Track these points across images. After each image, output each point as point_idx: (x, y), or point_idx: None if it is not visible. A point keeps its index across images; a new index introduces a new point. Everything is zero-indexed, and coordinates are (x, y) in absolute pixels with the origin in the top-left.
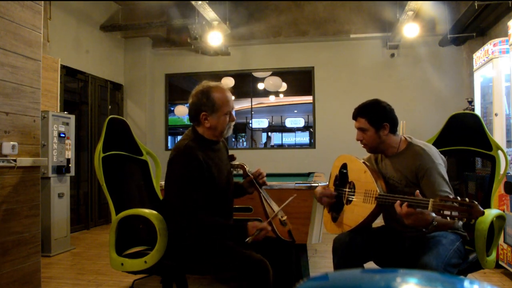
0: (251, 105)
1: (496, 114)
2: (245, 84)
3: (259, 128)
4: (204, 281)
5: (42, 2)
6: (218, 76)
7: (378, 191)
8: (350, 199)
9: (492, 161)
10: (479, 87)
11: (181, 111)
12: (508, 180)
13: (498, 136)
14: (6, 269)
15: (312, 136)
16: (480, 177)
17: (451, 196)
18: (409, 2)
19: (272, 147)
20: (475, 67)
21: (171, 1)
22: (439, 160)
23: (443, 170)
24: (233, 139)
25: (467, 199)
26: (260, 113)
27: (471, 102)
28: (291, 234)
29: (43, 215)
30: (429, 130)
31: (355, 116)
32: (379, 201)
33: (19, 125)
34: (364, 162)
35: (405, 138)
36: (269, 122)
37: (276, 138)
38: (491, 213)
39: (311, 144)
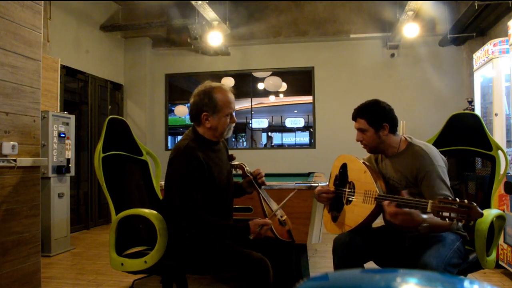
0: (251, 105)
1: (496, 114)
2: (245, 84)
3: (259, 128)
4: (204, 281)
5: (42, 2)
6: (218, 76)
7: (378, 191)
8: (350, 199)
9: (492, 161)
10: (479, 87)
11: (181, 111)
12: (508, 180)
13: (498, 136)
14: (6, 269)
15: (312, 136)
16: (480, 177)
17: (450, 198)
18: (409, 2)
19: (272, 147)
20: (475, 67)
21: (171, 1)
22: (440, 162)
23: (443, 172)
24: (233, 139)
25: (466, 201)
26: (260, 113)
27: (471, 102)
28: (290, 234)
29: (43, 215)
30: (429, 130)
31: (354, 117)
32: (379, 201)
33: (19, 125)
34: (364, 162)
35: (405, 138)
36: (269, 122)
37: (276, 138)
38: (491, 213)
39: (311, 144)
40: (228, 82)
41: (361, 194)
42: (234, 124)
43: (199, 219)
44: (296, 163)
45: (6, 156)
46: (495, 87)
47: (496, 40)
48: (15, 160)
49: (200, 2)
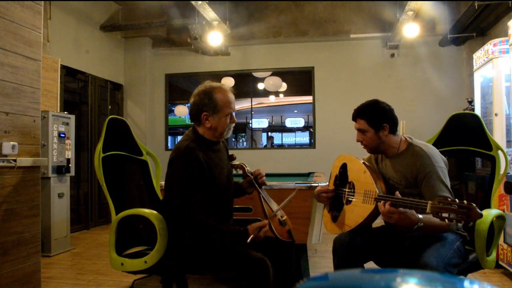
0: (251, 105)
1: (496, 114)
2: (245, 84)
3: (259, 128)
4: (204, 281)
5: (42, 2)
6: (218, 76)
7: (377, 192)
8: (350, 199)
9: (492, 161)
10: (479, 87)
11: (181, 111)
12: (508, 180)
13: (498, 136)
14: (6, 269)
15: (312, 136)
16: (480, 177)
17: (450, 199)
18: (409, 2)
19: (273, 146)
20: (475, 67)
21: (171, 1)
22: (440, 163)
23: (443, 173)
24: (233, 139)
25: (465, 202)
26: (260, 113)
27: (471, 102)
28: (291, 234)
29: (43, 215)
30: (429, 130)
31: (354, 118)
32: (379, 202)
33: (19, 125)
34: (364, 163)
35: (406, 139)
36: (269, 122)
37: (276, 138)
38: (491, 213)
39: (311, 144)
40: (228, 82)
41: (361, 194)
42: (234, 124)
43: (198, 221)
44: (296, 163)
45: (6, 156)
46: (495, 87)
47: (496, 40)
48: (15, 160)
49: (200, 2)
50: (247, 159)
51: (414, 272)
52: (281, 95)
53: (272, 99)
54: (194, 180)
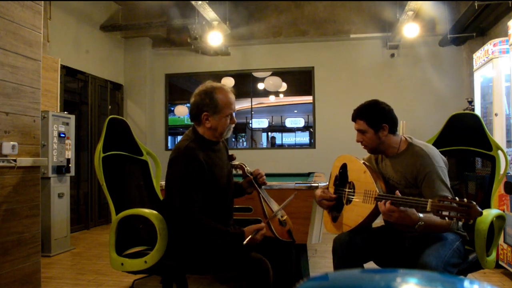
0: (251, 105)
1: (496, 114)
2: (245, 84)
3: (259, 128)
4: (204, 281)
5: (42, 2)
6: (218, 76)
7: (378, 191)
8: (350, 199)
9: (492, 161)
10: (479, 87)
11: (181, 111)
12: (508, 180)
13: (498, 136)
14: (6, 269)
15: (312, 136)
16: (480, 177)
17: (450, 197)
18: (409, 2)
19: (274, 146)
20: (475, 67)
21: (171, 1)
22: (440, 162)
23: (443, 173)
24: (233, 139)
25: (465, 200)
26: (260, 113)
27: (471, 102)
28: (291, 234)
29: (43, 215)
30: (429, 130)
31: (354, 118)
32: (378, 201)
33: (19, 125)
34: (364, 163)
35: (406, 139)
36: (269, 122)
37: (276, 138)
38: (491, 213)
39: (311, 144)
40: (228, 82)
41: (361, 194)
42: (234, 125)
43: (197, 220)
44: (296, 163)
45: (6, 156)
46: (495, 87)
47: (496, 40)
48: (15, 160)
49: (200, 2)
50: (247, 159)
51: (414, 272)
52: (281, 95)
53: (272, 99)
54: (194, 180)
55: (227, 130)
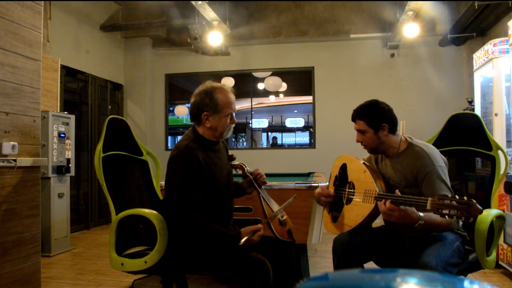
0: (251, 105)
1: (496, 114)
2: (245, 84)
3: (259, 128)
4: (204, 281)
5: (42, 2)
6: (218, 76)
7: (378, 190)
8: (350, 199)
9: (492, 161)
10: (479, 87)
11: (181, 111)
12: (508, 180)
13: (498, 136)
14: (6, 269)
15: (312, 136)
16: (480, 177)
17: (450, 195)
18: (409, 2)
19: (277, 146)
20: (475, 67)
21: (171, 1)
22: (440, 162)
23: (444, 173)
24: (233, 139)
25: (465, 198)
26: (260, 113)
27: (471, 102)
28: (291, 234)
29: (43, 215)
30: (429, 130)
31: (353, 118)
32: (378, 200)
33: (19, 125)
34: (364, 163)
35: (406, 139)
36: (269, 122)
37: (271, 138)
38: (491, 213)
39: (311, 144)
40: (228, 82)
41: (361, 193)
42: (234, 125)
43: (194, 220)
44: (296, 163)
45: (6, 156)
46: (495, 87)
47: (496, 40)
48: (15, 160)
49: (200, 2)
50: (247, 159)
51: (414, 272)
52: (281, 95)
53: (272, 99)
54: (193, 180)
55: (227, 130)
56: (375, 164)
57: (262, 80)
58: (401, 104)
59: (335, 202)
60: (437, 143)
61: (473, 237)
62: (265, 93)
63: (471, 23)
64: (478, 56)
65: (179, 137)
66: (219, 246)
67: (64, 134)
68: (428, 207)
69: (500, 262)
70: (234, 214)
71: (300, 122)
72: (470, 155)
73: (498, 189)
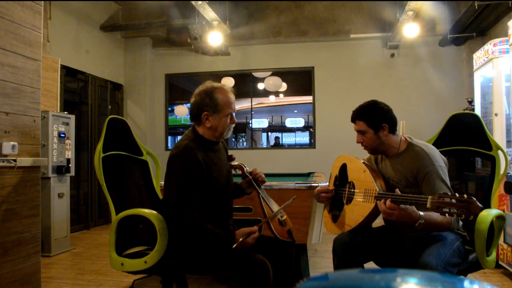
0: (251, 105)
1: (496, 114)
2: (245, 84)
3: (259, 128)
4: (204, 281)
5: (42, 2)
6: (218, 76)
7: (378, 190)
8: (350, 198)
9: (492, 161)
10: (479, 87)
11: (181, 111)
12: (508, 180)
13: (498, 136)
14: (6, 269)
15: (312, 136)
16: (480, 177)
17: (449, 193)
18: (409, 2)
19: (279, 146)
20: (475, 67)
21: (171, 1)
22: (440, 162)
23: (444, 172)
24: (233, 139)
25: (465, 195)
26: (260, 113)
27: (471, 102)
28: (291, 234)
29: (43, 215)
30: (429, 130)
31: (353, 119)
32: (378, 199)
33: (19, 125)
34: (363, 162)
35: (406, 138)
36: (269, 122)
37: (274, 138)
38: (491, 213)
39: (311, 144)
40: (228, 82)
41: (361, 193)
42: (234, 125)
43: (189, 220)
44: (296, 163)
45: (6, 156)
46: (495, 87)
47: (496, 40)
48: (15, 160)
49: (200, 2)
50: (247, 159)
51: (414, 272)
52: (281, 95)
53: (272, 99)
54: (192, 180)
55: (227, 130)
56: (375, 164)
57: (262, 80)
58: (401, 104)
59: (336, 202)
60: (437, 143)
61: (473, 237)
62: (265, 93)
63: (471, 23)
64: (478, 56)
65: (179, 137)
66: (212, 247)
67: (64, 134)
68: (428, 205)
69: (500, 262)
70: (234, 214)
71: (300, 122)
72: (470, 155)
73: (498, 189)
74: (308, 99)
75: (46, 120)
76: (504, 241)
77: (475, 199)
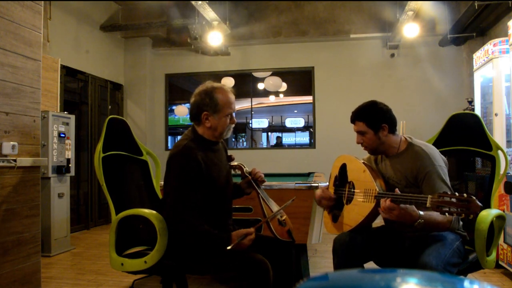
0: (251, 105)
1: (496, 114)
2: (245, 84)
3: (259, 128)
4: (204, 281)
5: (42, 2)
6: (218, 76)
7: (377, 189)
8: (350, 198)
9: (492, 161)
10: (479, 87)
11: (181, 111)
12: (508, 180)
13: (498, 136)
14: (6, 269)
15: (312, 136)
16: (480, 177)
17: (449, 192)
18: (409, 2)
19: (279, 146)
20: (475, 67)
21: (171, 1)
22: (440, 162)
23: (444, 172)
24: (233, 139)
25: (465, 194)
26: (260, 113)
27: (471, 102)
28: (290, 234)
29: (43, 215)
30: (429, 130)
31: (353, 120)
32: (379, 199)
33: (19, 125)
34: (363, 162)
35: (405, 138)
36: (269, 122)
37: (275, 138)
38: (491, 213)
39: (311, 144)
40: (228, 82)
41: (361, 193)
42: (233, 125)
43: (187, 220)
44: (296, 163)
45: (6, 156)
46: (495, 87)
47: (496, 40)
48: (15, 160)
49: (200, 2)
50: (247, 159)
51: (414, 272)
52: (281, 95)
53: (272, 99)
54: (191, 180)
55: (226, 130)
56: (375, 164)
57: (262, 80)
58: (401, 104)
59: (336, 202)
60: (437, 143)
61: (473, 237)
62: (265, 93)
63: (471, 23)
64: (478, 56)
65: (179, 137)
66: (208, 248)
67: (64, 134)
68: (428, 204)
69: (500, 262)
70: (234, 214)
71: (300, 122)
72: (470, 155)
73: (498, 189)
74: (308, 99)
75: (46, 120)
76: (504, 241)
77: (475, 198)
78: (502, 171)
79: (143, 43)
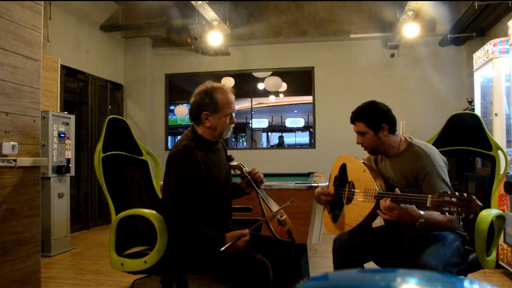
0: (251, 105)
1: (496, 114)
2: (245, 84)
3: (259, 128)
4: (204, 281)
5: (42, 2)
6: (218, 76)
7: (377, 189)
8: (350, 198)
9: (492, 161)
10: (479, 87)
11: (181, 111)
12: (508, 180)
13: (498, 136)
14: (6, 269)
15: (312, 136)
16: (480, 177)
17: (449, 192)
18: (409, 2)
19: (279, 146)
20: (475, 67)
21: (171, 1)
22: (440, 162)
23: (444, 172)
24: (233, 139)
25: (465, 194)
26: (260, 113)
27: (471, 102)
28: (290, 234)
29: (43, 215)
30: (429, 130)
31: (352, 121)
32: (378, 199)
33: (19, 125)
34: (363, 162)
35: (405, 138)
36: (269, 122)
37: (275, 138)
38: (491, 213)
39: (311, 144)
40: (228, 82)
41: (361, 193)
42: (233, 125)
43: (182, 220)
44: (296, 163)
45: (6, 156)
46: (495, 87)
47: (496, 40)
48: (15, 160)
49: (200, 2)
50: (247, 159)
51: (414, 272)
52: (281, 95)
53: (272, 99)
54: (190, 180)
55: (226, 130)
56: (375, 164)
57: (262, 80)
58: (401, 104)
59: (336, 202)
60: (437, 143)
61: (473, 237)
62: (265, 93)
63: (471, 23)
64: (478, 56)
65: (179, 137)
66: (202, 248)
67: (64, 134)
68: (428, 204)
69: (500, 262)
70: (234, 214)
71: (300, 122)
72: (470, 155)
73: (498, 189)
74: (308, 99)
75: (46, 120)
76: (504, 241)
77: (475, 197)
78: (502, 171)
79: (143, 43)
